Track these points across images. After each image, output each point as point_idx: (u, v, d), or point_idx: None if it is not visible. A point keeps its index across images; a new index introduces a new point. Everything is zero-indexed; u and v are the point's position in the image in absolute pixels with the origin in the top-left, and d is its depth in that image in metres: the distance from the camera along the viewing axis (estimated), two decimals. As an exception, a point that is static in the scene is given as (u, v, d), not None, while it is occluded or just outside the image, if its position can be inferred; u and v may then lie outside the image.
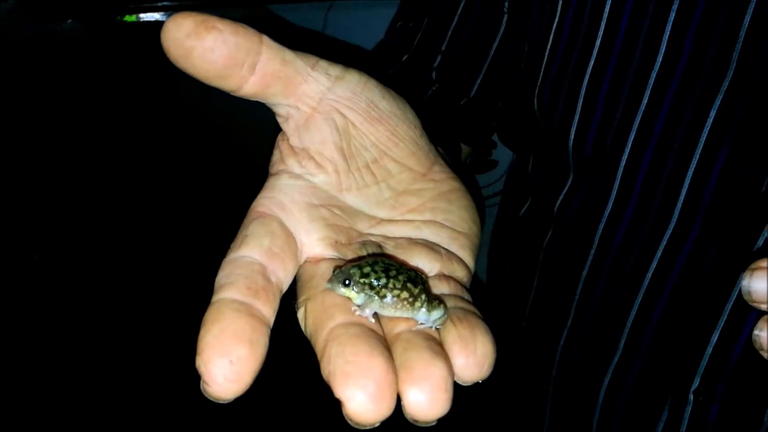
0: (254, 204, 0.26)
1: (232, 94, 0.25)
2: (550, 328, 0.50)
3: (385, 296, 0.23)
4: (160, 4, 0.87)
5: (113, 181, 0.89)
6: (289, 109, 0.27)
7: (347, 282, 0.23)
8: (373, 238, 0.28)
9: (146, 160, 0.87)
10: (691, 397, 0.42)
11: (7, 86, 0.82)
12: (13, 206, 0.87)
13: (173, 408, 0.89)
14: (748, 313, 0.39)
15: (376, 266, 0.24)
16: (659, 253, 0.42)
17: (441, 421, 0.21)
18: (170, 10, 0.88)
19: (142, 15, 0.85)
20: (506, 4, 0.50)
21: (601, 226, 0.45)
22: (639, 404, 0.44)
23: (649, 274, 0.43)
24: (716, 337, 0.40)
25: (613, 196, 0.44)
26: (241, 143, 0.86)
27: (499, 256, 0.60)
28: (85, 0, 0.85)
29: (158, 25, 0.87)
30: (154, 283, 0.91)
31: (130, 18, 0.84)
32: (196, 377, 0.20)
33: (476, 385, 0.23)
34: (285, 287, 0.24)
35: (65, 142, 0.87)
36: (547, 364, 0.50)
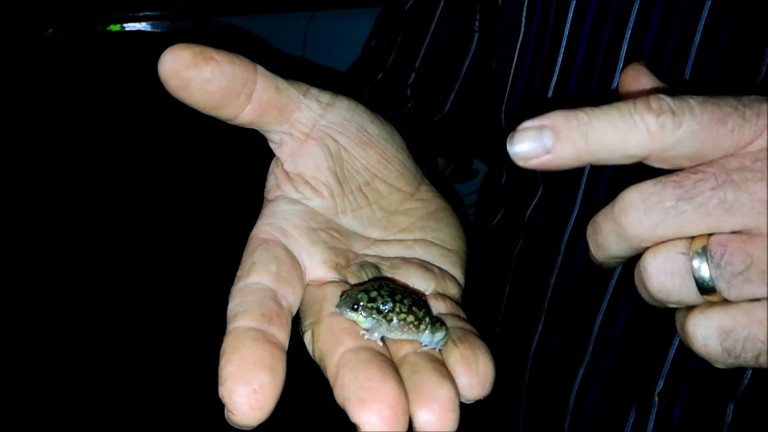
0: (255, 231, 0.27)
1: (228, 122, 0.26)
2: (521, 334, 0.51)
3: (392, 320, 0.24)
4: (142, 14, 0.87)
5: (95, 194, 0.88)
6: (282, 135, 0.27)
7: (356, 306, 0.24)
8: (369, 259, 0.28)
9: (129, 171, 0.87)
10: (656, 398, 0.43)
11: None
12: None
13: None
14: None
15: (382, 290, 0.24)
16: None
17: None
18: (153, 20, 0.88)
19: (126, 25, 0.85)
20: (476, 23, 0.52)
21: (567, 235, 0.46)
22: (608, 406, 0.46)
23: (613, 281, 0.44)
24: (677, 341, 0.42)
25: (577, 206, 0.45)
26: (227, 155, 0.87)
27: (473, 265, 0.61)
28: (65, 9, 0.85)
29: (142, 34, 0.87)
30: (143, 305, 0.90)
31: (114, 27, 0.84)
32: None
33: (477, 402, 0.24)
34: (295, 310, 0.25)
35: (45, 154, 0.87)
36: (520, 369, 0.51)
